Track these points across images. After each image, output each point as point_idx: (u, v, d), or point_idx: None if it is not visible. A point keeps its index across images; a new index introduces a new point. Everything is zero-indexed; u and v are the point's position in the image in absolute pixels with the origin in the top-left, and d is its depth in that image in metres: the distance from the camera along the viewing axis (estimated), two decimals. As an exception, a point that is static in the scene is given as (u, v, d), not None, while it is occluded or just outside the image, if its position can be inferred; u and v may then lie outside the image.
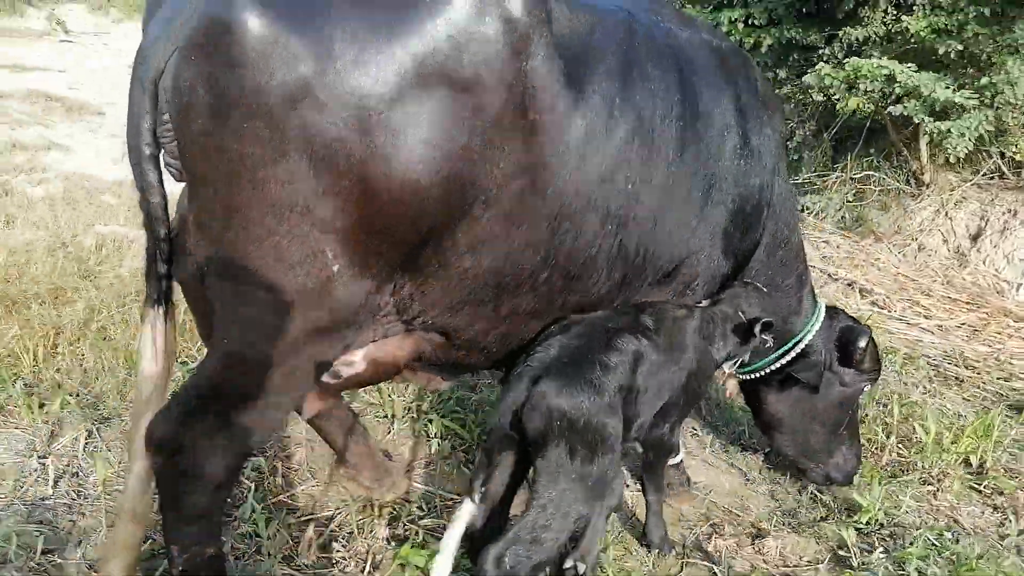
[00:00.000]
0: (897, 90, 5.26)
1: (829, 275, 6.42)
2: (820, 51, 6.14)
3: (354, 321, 1.85)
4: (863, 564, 2.82)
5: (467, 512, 2.00)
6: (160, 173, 1.72)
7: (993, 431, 3.68)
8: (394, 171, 1.64)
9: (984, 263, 6.90)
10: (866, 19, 5.89)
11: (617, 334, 2.16)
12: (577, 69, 1.86)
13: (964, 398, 4.60)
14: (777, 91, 6.84)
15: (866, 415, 3.94)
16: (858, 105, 5.75)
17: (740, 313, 2.56)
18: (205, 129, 1.59)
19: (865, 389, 3.15)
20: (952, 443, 3.62)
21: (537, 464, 1.96)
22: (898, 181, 7.29)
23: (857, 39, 5.99)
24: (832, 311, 3.14)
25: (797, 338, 2.94)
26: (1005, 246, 6.82)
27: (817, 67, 5.63)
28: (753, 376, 3.01)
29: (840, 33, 6.08)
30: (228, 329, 1.79)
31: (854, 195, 7.32)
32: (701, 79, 2.26)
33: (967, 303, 6.35)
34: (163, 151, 1.69)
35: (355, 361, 2.06)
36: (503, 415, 2.02)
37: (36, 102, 8.64)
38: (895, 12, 5.80)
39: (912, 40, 5.53)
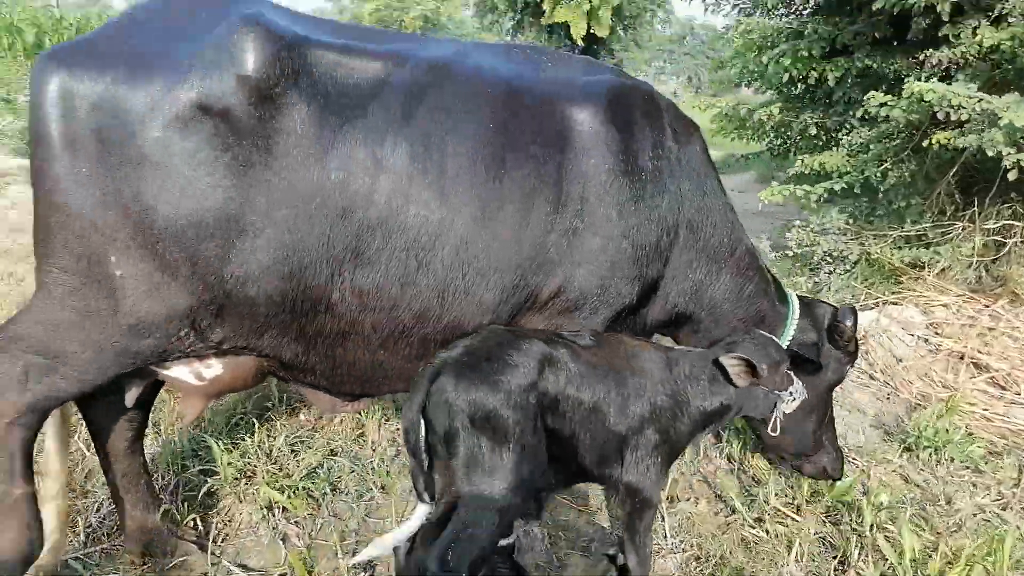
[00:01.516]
0: (963, 116, 4.26)
1: (933, 347, 5.24)
2: (905, 80, 5.18)
3: (152, 330, 2.04)
4: None
5: (421, 512, 2.04)
6: None
7: (1005, 555, 2.65)
8: (156, 200, 1.91)
9: None
10: (952, 39, 4.89)
11: (523, 338, 2.16)
12: (340, 111, 2.05)
13: (1051, 512, 3.44)
14: (860, 128, 5.86)
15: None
16: (945, 140, 4.74)
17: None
18: (33, 139, 1.94)
19: (847, 371, 3.09)
20: (940, 571, 2.67)
21: (452, 462, 1.98)
22: (1052, 232, 5.87)
23: (942, 61, 4.97)
24: (805, 299, 3.08)
25: (782, 339, 2.90)
26: None
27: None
28: None
29: (922, 56, 5.09)
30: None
31: (988, 248, 5.98)
32: (532, 107, 2.33)
33: None
34: None
35: (212, 364, 2.26)
36: (409, 411, 2.03)
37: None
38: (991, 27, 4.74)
39: (993, 57, 4.50)
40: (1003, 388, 4.88)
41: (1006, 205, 5.98)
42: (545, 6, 24.56)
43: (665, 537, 2.98)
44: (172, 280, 1.99)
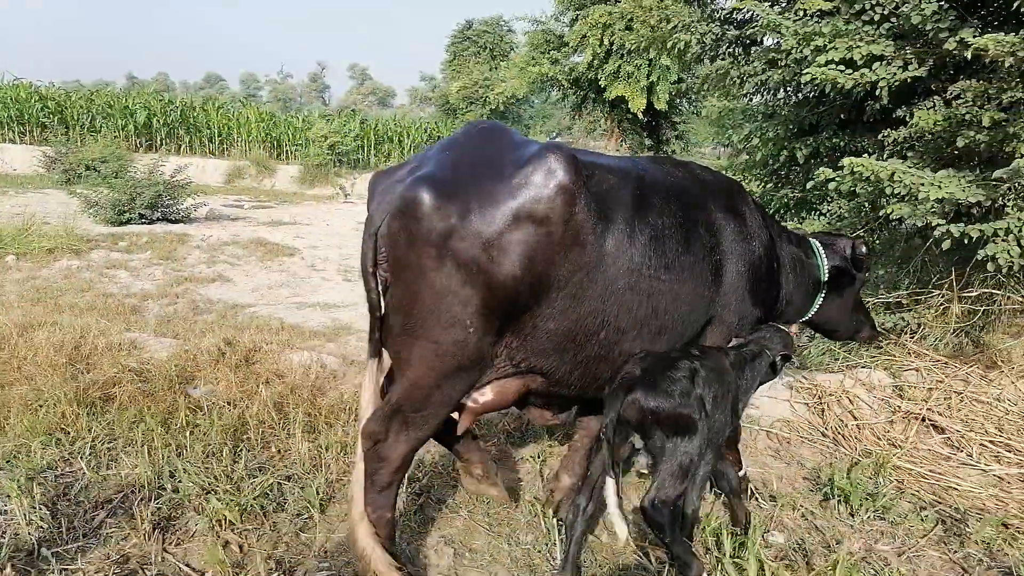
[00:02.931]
0: (898, 190, 4.61)
1: (893, 408, 5.42)
2: (871, 157, 5.53)
3: (482, 363, 2.94)
4: None
5: (612, 484, 2.94)
6: (377, 282, 2.86)
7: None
8: (503, 273, 2.73)
9: None
10: (908, 119, 5.25)
11: (678, 359, 3.12)
12: (607, 207, 2.96)
13: (963, 567, 3.63)
14: (840, 200, 6.20)
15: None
16: (894, 212, 5.06)
17: (766, 351, 3.52)
18: (403, 254, 2.75)
19: (867, 274, 4.41)
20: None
21: (647, 446, 3.00)
22: (1033, 300, 5.98)
23: (897, 140, 5.33)
24: (822, 239, 4.23)
25: (823, 280, 4.15)
26: None
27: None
28: (812, 314, 4.28)
29: (881, 136, 5.46)
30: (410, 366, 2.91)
31: (967, 316, 6.12)
32: (691, 200, 3.39)
33: (1099, 452, 4.94)
34: (380, 269, 2.84)
35: (486, 392, 3.14)
36: (610, 411, 3.00)
37: (246, 247, 10.88)
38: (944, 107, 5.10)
39: (943, 136, 4.85)
40: (957, 449, 5.02)
41: (987, 274, 6.13)
42: (603, 83, 25.67)
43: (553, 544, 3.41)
44: (501, 321, 2.85)
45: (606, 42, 24.83)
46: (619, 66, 25.48)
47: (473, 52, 45.75)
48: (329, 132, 25.74)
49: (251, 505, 3.60)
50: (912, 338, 6.26)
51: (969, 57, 4.36)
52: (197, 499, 3.63)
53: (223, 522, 3.49)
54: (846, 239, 4.23)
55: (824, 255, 4.15)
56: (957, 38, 4.49)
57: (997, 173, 4.31)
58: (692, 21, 5.79)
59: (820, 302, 4.23)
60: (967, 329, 6.20)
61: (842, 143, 5.90)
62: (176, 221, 13.50)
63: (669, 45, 6.03)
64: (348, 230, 14.19)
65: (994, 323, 6.18)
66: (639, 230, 3.03)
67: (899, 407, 5.45)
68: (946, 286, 6.26)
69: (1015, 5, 4.16)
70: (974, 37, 4.33)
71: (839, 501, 4.06)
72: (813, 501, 4.17)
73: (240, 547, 3.38)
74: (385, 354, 3.05)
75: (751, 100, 6.37)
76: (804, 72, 4.76)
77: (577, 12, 26.30)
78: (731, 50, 6.34)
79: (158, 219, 13.26)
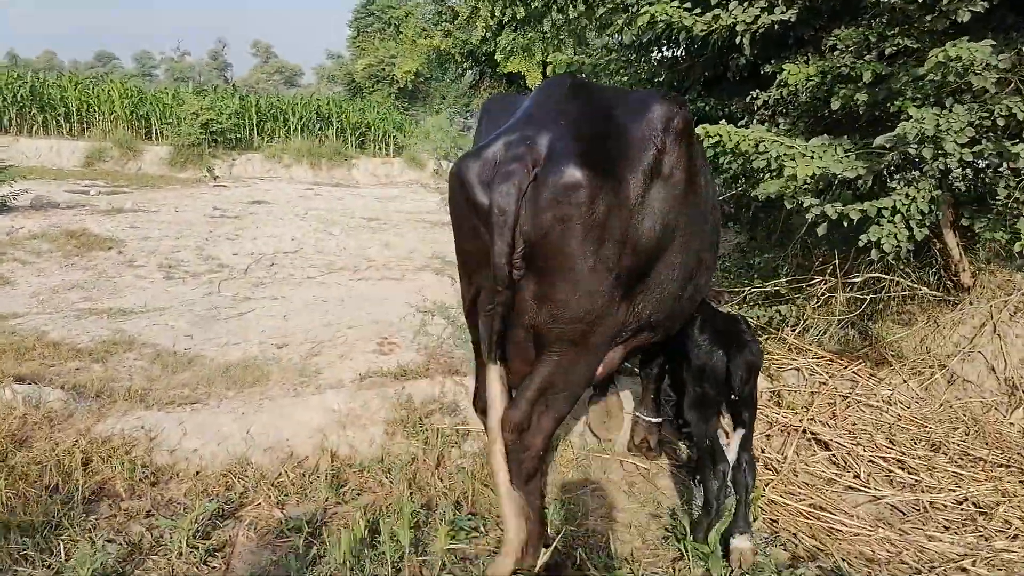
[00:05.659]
0: (762, 163, 3.71)
1: (768, 421, 4.58)
2: (740, 122, 4.68)
3: (622, 330, 2.92)
4: None
5: (741, 432, 3.31)
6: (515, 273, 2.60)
7: None
8: (647, 234, 2.66)
9: (1052, 402, 4.69)
10: (779, 75, 4.36)
11: (739, 318, 3.56)
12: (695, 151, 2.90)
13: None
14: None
15: None
16: (766, 188, 4.18)
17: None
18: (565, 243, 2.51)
19: None
20: None
21: (746, 390, 3.24)
22: (925, 285, 5.27)
23: (767, 102, 4.45)
24: None
25: None
26: (1080, 376, 4.59)
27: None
28: None
29: (748, 98, 4.57)
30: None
31: (853, 304, 5.37)
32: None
33: (999, 465, 4.25)
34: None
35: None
36: (737, 369, 3.20)
37: (56, 240, 9.29)
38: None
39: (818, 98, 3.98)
40: (844, 469, 4.22)
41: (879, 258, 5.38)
42: (498, 57, 24.53)
43: None
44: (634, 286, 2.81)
45: (498, 13, 23.64)
46: (514, 39, 24.37)
47: (378, 28, 43.56)
48: (201, 109, 23.61)
49: None
50: (793, 332, 5.48)
51: (842, -3, 3.47)
52: None
53: None
54: None
55: None
56: (830, -28, 3.61)
57: (879, 140, 3.46)
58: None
59: None
60: (853, 320, 5.46)
61: (707, 107, 5.00)
62: (-11, 211, 11.61)
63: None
64: (199, 217, 12.60)
65: (882, 312, 5.46)
66: (703, 173, 3.03)
67: (776, 418, 4.63)
68: (829, 272, 5.49)
69: (899, -78, 3.27)
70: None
71: (694, 563, 3.15)
72: (666, 559, 3.25)
73: None
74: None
75: (607, 55, 5.42)
76: (642, 11, 3.79)
77: (469, -18, 25.03)
78: (585, -2, 5.33)
79: (-35, 209, 11.35)
